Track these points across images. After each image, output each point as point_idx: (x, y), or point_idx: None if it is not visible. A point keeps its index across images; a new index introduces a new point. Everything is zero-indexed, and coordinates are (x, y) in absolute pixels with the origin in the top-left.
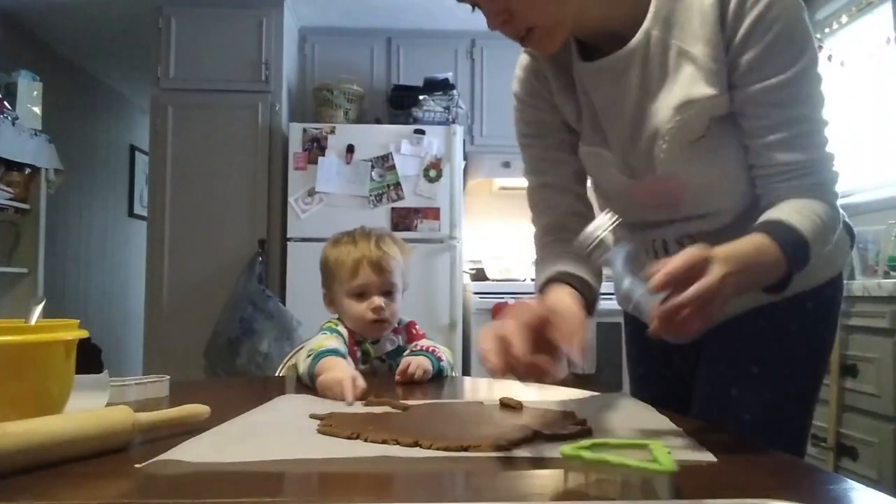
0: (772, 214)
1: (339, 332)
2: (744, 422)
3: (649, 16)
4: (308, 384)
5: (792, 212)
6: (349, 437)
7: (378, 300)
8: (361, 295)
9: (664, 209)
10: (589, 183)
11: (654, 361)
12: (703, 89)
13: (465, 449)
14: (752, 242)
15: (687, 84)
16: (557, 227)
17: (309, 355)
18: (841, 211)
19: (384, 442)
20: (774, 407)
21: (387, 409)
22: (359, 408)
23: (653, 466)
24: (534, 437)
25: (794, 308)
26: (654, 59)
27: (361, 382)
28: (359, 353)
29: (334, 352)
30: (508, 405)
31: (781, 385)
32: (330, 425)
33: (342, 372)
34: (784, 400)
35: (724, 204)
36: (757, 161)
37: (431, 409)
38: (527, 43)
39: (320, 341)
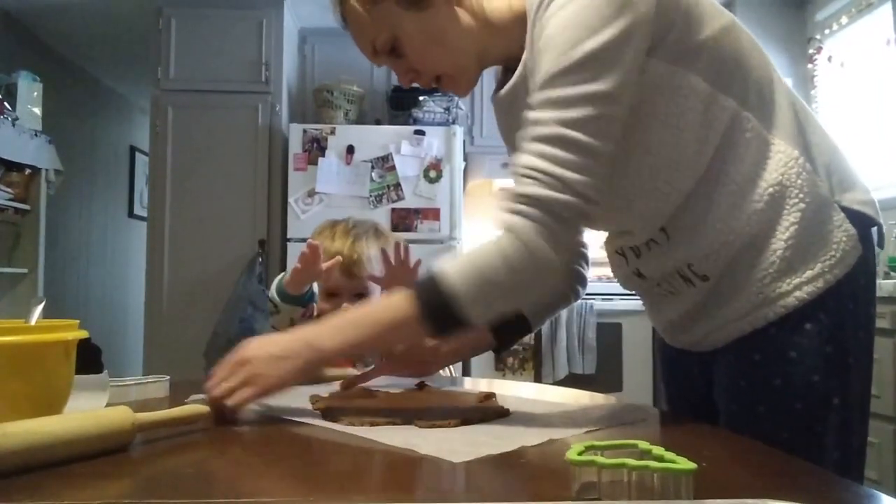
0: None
1: None
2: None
3: (526, 47)
4: (280, 299)
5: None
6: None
7: (347, 306)
8: (333, 295)
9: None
10: None
11: (681, 386)
12: None
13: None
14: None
15: None
16: None
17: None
18: (840, 210)
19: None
20: (792, 449)
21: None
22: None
23: (674, 467)
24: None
25: (790, 332)
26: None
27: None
28: None
29: None
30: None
31: (794, 421)
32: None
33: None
34: (801, 439)
35: (636, 224)
36: None
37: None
38: (441, 89)
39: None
